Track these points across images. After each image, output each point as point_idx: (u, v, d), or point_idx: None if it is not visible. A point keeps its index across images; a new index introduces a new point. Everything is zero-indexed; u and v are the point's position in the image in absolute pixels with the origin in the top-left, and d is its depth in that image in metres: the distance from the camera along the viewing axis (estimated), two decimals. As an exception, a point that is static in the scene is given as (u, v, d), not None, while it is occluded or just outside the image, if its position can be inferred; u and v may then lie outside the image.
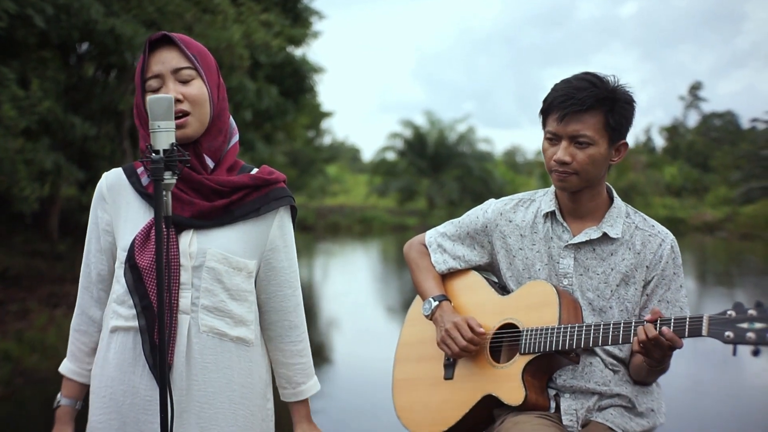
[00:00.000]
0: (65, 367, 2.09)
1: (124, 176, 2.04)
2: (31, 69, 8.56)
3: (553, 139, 2.24)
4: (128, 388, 1.94)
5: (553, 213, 2.34)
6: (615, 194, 2.35)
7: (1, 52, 8.25)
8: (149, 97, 1.79)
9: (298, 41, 16.32)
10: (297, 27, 15.90)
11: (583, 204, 2.30)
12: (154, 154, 1.76)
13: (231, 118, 2.07)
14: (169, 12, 9.08)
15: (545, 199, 2.38)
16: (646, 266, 2.26)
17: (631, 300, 2.27)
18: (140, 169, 2.04)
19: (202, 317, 1.94)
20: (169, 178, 1.77)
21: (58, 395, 2.08)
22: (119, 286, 1.96)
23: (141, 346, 1.92)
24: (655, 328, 2.02)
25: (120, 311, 1.96)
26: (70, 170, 9.36)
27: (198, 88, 1.94)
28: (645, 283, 2.27)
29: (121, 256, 1.96)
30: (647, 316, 2.08)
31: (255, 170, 2.06)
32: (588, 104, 2.17)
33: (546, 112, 2.26)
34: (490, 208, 2.47)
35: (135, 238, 1.93)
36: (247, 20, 11.33)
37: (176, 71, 1.94)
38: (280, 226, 2.06)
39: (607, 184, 2.34)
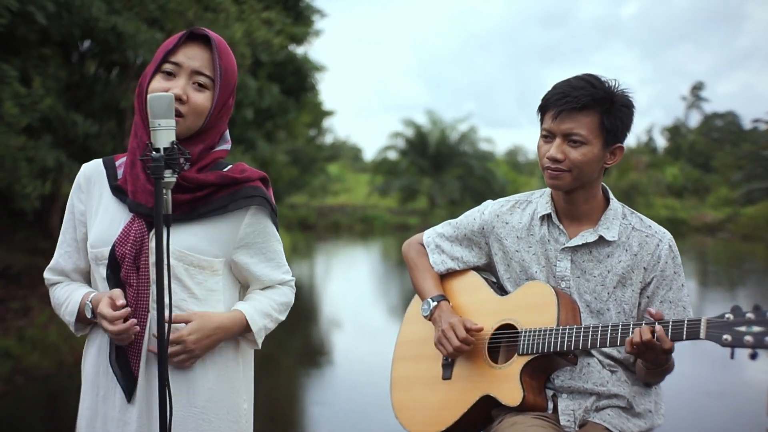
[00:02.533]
0: (84, 300, 1.94)
1: (102, 168, 2.01)
2: (33, 66, 8.54)
3: (547, 136, 2.24)
4: (103, 381, 1.93)
5: (549, 216, 2.34)
6: (611, 195, 2.34)
7: (3, 49, 8.25)
8: (150, 96, 1.78)
9: (299, 39, 16.33)
10: (298, 25, 15.90)
11: (579, 206, 2.30)
12: (154, 152, 1.75)
13: (227, 132, 2.03)
14: (170, 10, 9.05)
15: (541, 201, 2.38)
16: (644, 268, 2.26)
17: (628, 302, 2.27)
18: (119, 162, 2.00)
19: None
20: (170, 177, 1.76)
21: (87, 303, 1.92)
22: (101, 279, 1.94)
23: (108, 341, 1.90)
24: (653, 330, 2.02)
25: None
26: (72, 168, 9.34)
27: (204, 99, 1.92)
28: (644, 284, 2.27)
29: (92, 252, 1.94)
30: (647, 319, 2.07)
31: (228, 167, 2.00)
32: (583, 103, 2.16)
33: (543, 109, 2.26)
34: (486, 209, 2.46)
35: (117, 239, 1.89)
36: (248, 18, 11.31)
37: (196, 73, 1.91)
38: (251, 224, 1.97)
39: (603, 185, 2.34)
